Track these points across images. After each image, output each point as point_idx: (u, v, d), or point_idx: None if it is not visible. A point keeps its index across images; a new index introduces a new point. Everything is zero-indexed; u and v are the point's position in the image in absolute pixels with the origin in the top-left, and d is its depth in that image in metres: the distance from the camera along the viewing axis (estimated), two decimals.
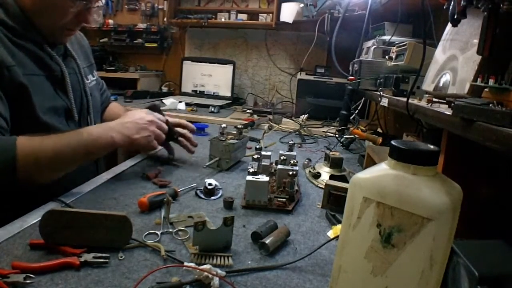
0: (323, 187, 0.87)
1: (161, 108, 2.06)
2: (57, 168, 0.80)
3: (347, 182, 0.94)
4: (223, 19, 2.64)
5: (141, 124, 0.94)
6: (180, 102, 2.23)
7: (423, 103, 0.83)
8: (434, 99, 0.81)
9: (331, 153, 1.11)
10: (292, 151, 1.08)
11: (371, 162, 1.13)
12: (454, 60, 0.81)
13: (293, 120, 1.99)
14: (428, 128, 0.95)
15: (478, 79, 0.62)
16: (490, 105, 0.54)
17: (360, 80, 1.47)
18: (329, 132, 1.78)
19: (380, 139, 1.31)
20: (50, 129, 0.86)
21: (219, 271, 0.55)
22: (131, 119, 0.94)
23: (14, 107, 0.81)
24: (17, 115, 0.82)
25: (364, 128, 1.62)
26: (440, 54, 0.89)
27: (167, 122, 1.06)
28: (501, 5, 0.55)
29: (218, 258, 0.61)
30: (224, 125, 1.16)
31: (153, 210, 0.78)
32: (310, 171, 1.10)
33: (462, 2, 0.61)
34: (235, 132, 1.17)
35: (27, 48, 0.85)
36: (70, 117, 0.95)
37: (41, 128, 0.84)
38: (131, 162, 1.11)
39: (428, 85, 0.90)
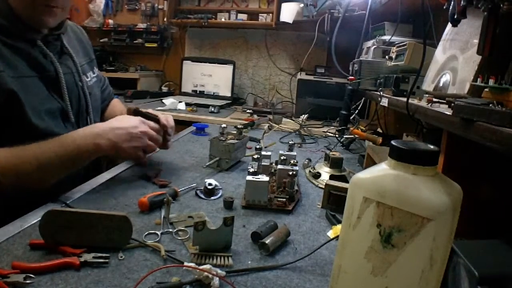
0: (323, 187, 0.87)
1: (160, 108, 2.08)
2: (41, 179, 0.78)
3: (347, 182, 0.94)
4: (223, 19, 2.64)
5: (133, 133, 0.89)
6: (180, 102, 2.23)
7: (423, 103, 0.83)
8: (434, 99, 0.81)
9: (331, 153, 1.11)
10: (292, 151, 1.08)
11: (371, 162, 1.13)
12: (454, 60, 0.81)
13: (293, 120, 1.99)
14: (428, 128, 0.95)
15: (478, 79, 0.62)
16: (490, 105, 0.54)
17: (360, 80, 1.47)
18: (329, 132, 1.78)
19: (380, 139, 1.31)
20: (45, 133, 0.84)
21: (219, 271, 0.55)
22: (123, 125, 0.89)
23: (5, 114, 0.79)
24: (8, 122, 0.80)
25: (364, 128, 1.62)
26: (440, 54, 0.89)
27: (159, 124, 0.99)
28: (501, 5, 0.55)
29: (218, 258, 0.61)
30: (224, 125, 1.16)
31: (153, 210, 0.78)
32: (310, 171, 1.10)
33: (462, 2, 0.61)
34: (235, 132, 1.17)
35: (19, 48, 0.83)
36: (67, 119, 0.93)
37: (35, 133, 0.82)
38: (131, 162, 1.11)
39: (428, 85, 0.90)
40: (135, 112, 1.00)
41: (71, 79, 0.97)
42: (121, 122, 0.91)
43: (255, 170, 0.87)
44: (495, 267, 0.48)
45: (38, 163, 0.76)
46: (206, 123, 1.80)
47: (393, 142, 0.41)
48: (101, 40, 2.83)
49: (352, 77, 1.55)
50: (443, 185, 0.39)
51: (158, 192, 0.83)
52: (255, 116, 2.12)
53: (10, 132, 0.80)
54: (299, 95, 2.22)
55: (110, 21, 2.82)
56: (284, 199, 0.86)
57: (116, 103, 1.31)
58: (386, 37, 1.53)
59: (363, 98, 1.82)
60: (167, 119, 1.04)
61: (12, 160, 0.75)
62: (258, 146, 1.10)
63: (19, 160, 0.75)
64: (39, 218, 0.60)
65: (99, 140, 0.84)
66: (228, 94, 2.63)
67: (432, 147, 0.40)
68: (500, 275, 0.46)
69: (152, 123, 0.96)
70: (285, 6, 2.36)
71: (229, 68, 2.62)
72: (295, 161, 0.97)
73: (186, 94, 2.68)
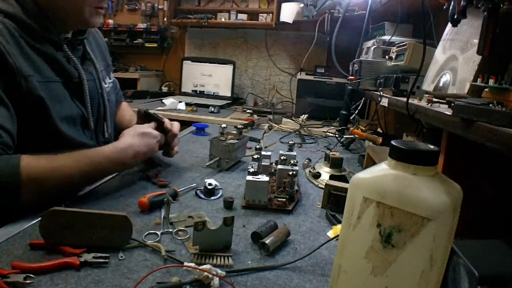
0: (323, 187, 0.87)
1: (160, 108, 2.08)
2: (61, 193, 0.77)
3: (347, 182, 0.94)
4: (223, 19, 2.64)
5: (147, 138, 0.91)
6: (180, 102, 2.23)
7: (423, 103, 0.83)
8: (434, 99, 0.81)
9: (331, 153, 1.11)
10: (292, 151, 1.08)
11: (371, 162, 1.13)
12: (454, 60, 0.81)
13: (293, 120, 1.99)
14: (428, 128, 0.95)
15: (478, 79, 0.62)
16: (490, 105, 0.54)
17: (360, 80, 1.47)
18: (329, 132, 1.78)
19: (380, 139, 1.31)
20: (66, 139, 0.84)
21: (219, 271, 0.55)
22: (129, 141, 0.89)
23: (32, 118, 0.79)
24: (35, 126, 0.80)
25: (364, 128, 1.62)
26: (440, 54, 0.89)
27: (163, 127, 1.00)
28: (501, 5, 0.56)
29: (218, 258, 0.61)
30: (224, 125, 1.16)
31: (153, 210, 0.78)
32: (310, 171, 1.10)
33: (462, 2, 0.61)
34: (235, 132, 1.17)
35: (45, 52, 0.82)
36: (86, 126, 0.93)
37: (59, 139, 0.82)
38: None
39: (428, 85, 0.90)
40: (145, 114, 1.02)
41: (93, 85, 0.96)
42: (126, 138, 0.90)
43: (255, 170, 0.87)
44: (495, 267, 0.48)
45: (63, 176, 0.75)
46: (206, 123, 1.80)
47: (393, 142, 0.41)
48: None
49: (352, 77, 1.55)
50: (443, 185, 0.39)
51: (158, 192, 0.83)
52: (255, 116, 2.12)
53: (35, 137, 0.80)
54: (299, 95, 2.22)
55: (110, 21, 2.82)
56: (284, 199, 0.86)
57: (125, 107, 1.31)
58: (386, 37, 1.53)
59: (363, 98, 1.82)
60: (173, 124, 1.05)
61: (38, 171, 0.72)
62: (258, 146, 1.10)
63: (45, 172, 0.73)
64: (39, 218, 0.60)
65: (122, 156, 0.86)
66: (228, 94, 2.63)
67: (432, 147, 0.40)
68: (500, 275, 0.46)
69: (154, 131, 0.97)
70: (285, 6, 2.37)
71: (229, 68, 2.63)
72: (295, 161, 0.97)
73: (186, 94, 2.68)
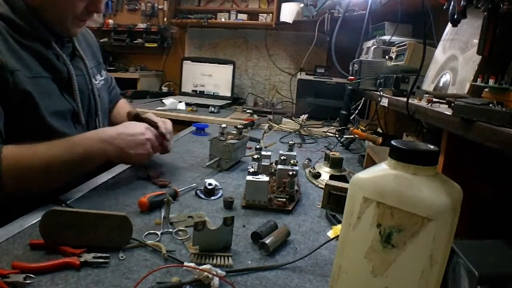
0: (323, 187, 0.87)
1: (160, 108, 2.08)
2: (45, 182, 0.76)
3: (347, 182, 0.94)
4: (223, 19, 2.64)
5: (139, 140, 0.89)
6: (180, 102, 2.23)
7: (423, 103, 0.83)
8: (434, 99, 0.81)
9: (331, 153, 1.11)
10: (292, 151, 1.08)
11: (371, 162, 1.13)
12: (454, 60, 0.81)
13: (293, 120, 1.99)
14: (428, 128, 0.95)
15: (478, 79, 0.62)
16: (490, 105, 0.54)
17: (360, 80, 1.47)
18: (329, 132, 1.78)
19: (380, 139, 1.31)
20: (57, 134, 0.83)
21: (219, 271, 0.55)
22: (130, 132, 0.89)
23: (20, 113, 0.79)
24: (24, 121, 0.80)
25: (364, 128, 1.62)
26: (440, 54, 0.89)
27: (158, 131, 0.98)
28: (501, 5, 0.56)
29: (218, 258, 0.61)
30: (224, 125, 1.16)
31: (153, 210, 0.78)
32: (310, 171, 1.10)
33: (462, 2, 0.61)
34: (235, 132, 1.17)
35: (34, 49, 0.83)
36: (77, 121, 0.93)
37: (49, 134, 0.82)
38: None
39: (428, 85, 0.90)
40: (135, 117, 1.00)
41: (83, 80, 0.97)
42: (128, 128, 0.90)
43: (255, 170, 0.87)
44: (495, 267, 0.48)
45: (45, 163, 0.75)
46: (206, 123, 1.80)
47: (393, 142, 0.41)
48: (101, 40, 2.83)
49: (352, 77, 1.55)
50: (443, 185, 0.39)
51: (158, 192, 0.83)
52: (255, 116, 2.12)
53: (24, 133, 0.79)
54: (299, 95, 2.22)
55: (110, 21, 2.82)
56: (284, 199, 0.86)
57: (123, 104, 1.30)
58: (386, 37, 1.53)
59: (363, 98, 1.82)
60: (166, 124, 1.03)
61: (20, 159, 0.72)
62: (258, 146, 1.10)
63: (26, 159, 0.73)
64: (39, 218, 0.60)
65: (106, 146, 0.83)
66: (228, 94, 2.63)
67: (432, 147, 0.40)
68: (500, 275, 0.46)
69: (155, 130, 0.97)
70: (285, 6, 2.36)
71: (229, 68, 2.62)
72: (295, 161, 0.97)
73: (186, 94, 2.68)
